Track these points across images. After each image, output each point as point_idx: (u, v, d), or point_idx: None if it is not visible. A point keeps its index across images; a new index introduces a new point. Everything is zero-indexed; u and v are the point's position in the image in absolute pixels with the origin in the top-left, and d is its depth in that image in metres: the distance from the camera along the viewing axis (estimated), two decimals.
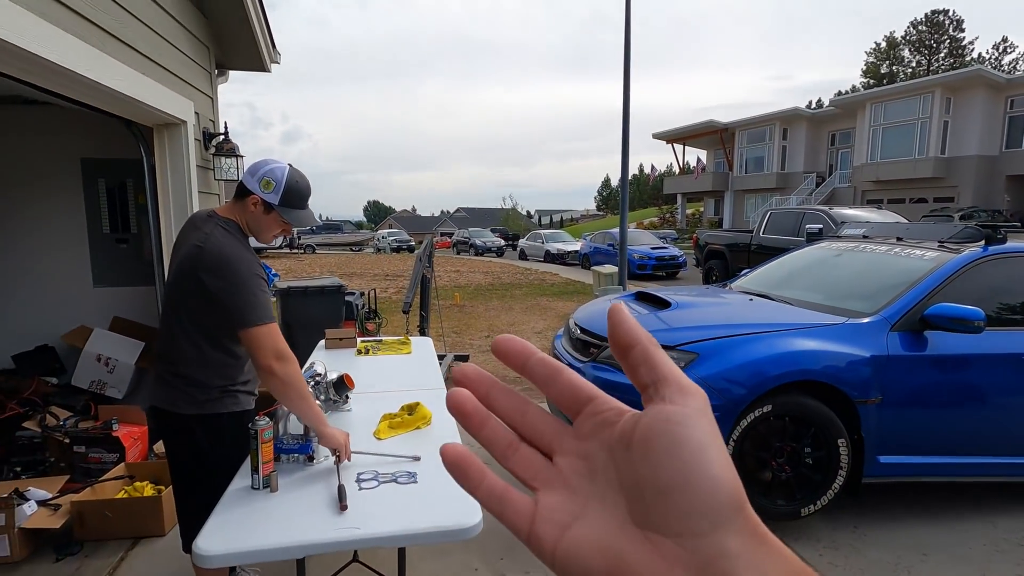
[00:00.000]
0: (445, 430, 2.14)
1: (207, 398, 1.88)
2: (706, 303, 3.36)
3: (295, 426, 1.93)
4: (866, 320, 2.81)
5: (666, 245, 16.08)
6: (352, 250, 32.03)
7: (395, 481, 1.74)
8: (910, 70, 46.92)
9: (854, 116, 25.47)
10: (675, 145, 34.92)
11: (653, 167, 41.01)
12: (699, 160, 34.77)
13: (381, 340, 3.66)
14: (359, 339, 3.57)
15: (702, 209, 37.53)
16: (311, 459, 1.82)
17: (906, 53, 48.07)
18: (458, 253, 29.49)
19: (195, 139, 3.41)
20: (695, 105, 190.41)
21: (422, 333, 5.43)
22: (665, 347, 2.76)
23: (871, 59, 49.74)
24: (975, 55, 45.74)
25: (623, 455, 0.24)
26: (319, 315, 4.50)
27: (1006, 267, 3.04)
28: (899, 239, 3.49)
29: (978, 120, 21.87)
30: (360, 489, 1.68)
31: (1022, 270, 3.05)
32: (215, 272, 1.74)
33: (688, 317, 3.05)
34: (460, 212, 73.30)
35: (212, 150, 3.65)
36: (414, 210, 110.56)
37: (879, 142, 24.39)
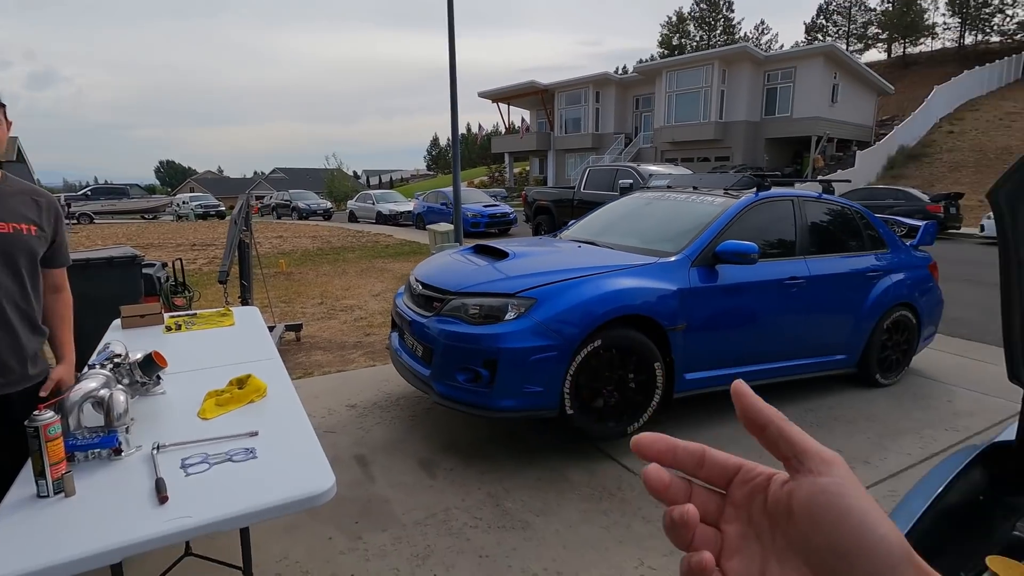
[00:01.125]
0: (283, 402, 1.98)
1: None
2: (540, 252, 3.54)
3: (91, 417, 1.62)
4: (672, 259, 3.21)
5: (498, 203, 16.54)
6: (144, 218, 27.44)
7: (230, 460, 1.56)
8: (695, 43, 53.39)
9: (653, 82, 28.34)
10: (500, 104, 35.63)
11: (480, 126, 41.51)
12: (523, 120, 36.03)
13: (195, 314, 3.23)
14: (166, 315, 3.10)
15: (528, 168, 39.19)
16: (118, 452, 1.55)
17: (691, 27, 54.49)
18: (279, 218, 27.01)
19: None
20: (518, 66, 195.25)
21: (244, 304, 4.91)
22: (505, 295, 2.86)
23: (664, 31, 55.47)
24: (742, 34, 53.58)
25: (786, 522, 0.27)
26: (110, 292, 3.79)
27: (771, 209, 3.68)
28: (695, 188, 4.02)
29: (744, 90, 25.84)
30: (187, 475, 1.48)
31: (782, 211, 3.74)
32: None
33: (524, 266, 3.19)
34: (277, 173, 66.77)
35: None
36: (220, 171, 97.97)
37: (673, 107, 27.57)
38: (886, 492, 2.77)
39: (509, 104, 35.32)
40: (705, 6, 53.17)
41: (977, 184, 20.40)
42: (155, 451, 1.58)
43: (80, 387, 1.58)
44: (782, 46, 52.15)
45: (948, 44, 45.57)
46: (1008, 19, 41.94)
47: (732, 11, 53.22)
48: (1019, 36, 40.67)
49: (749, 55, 25.43)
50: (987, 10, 42.30)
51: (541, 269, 3.07)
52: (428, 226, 9.22)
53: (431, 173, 74.17)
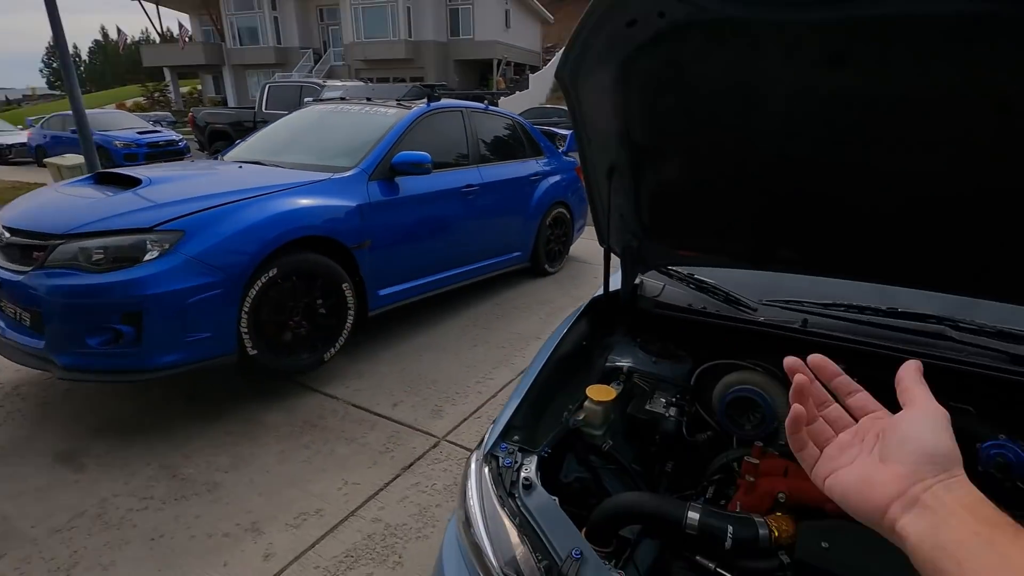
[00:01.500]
0: None
1: None
2: (187, 176, 2.95)
3: None
4: (348, 173, 3.05)
5: (158, 128, 13.53)
6: None
7: None
8: None
9: None
10: (144, 3, 28.50)
11: (121, 31, 32.70)
12: (181, 26, 29.69)
13: None
14: None
15: (200, 87, 33.02)
16: None
17: None
18: None
19: None
20: None
21: None
22: (139, 229, 2.32)
23: None
24: None
25: (885, 432, 0.45)
26: None
27: (442, 120, 3.79)
28: (369, 100, 3.86)
29: (430, 9, 26.03)
30: None
31: (454, 121, 3.88)
32: None
33: (165, 192, 2.61)
34: None
35: None
36: None
37: (361, 22, 26.18)
38: None
39: (158, 4, 28.53)
40: None
41: None
42: None
43: None
44: None
45: None
46: None
47: None
48: None
49: None
50: None
51: (189, 195, 2.55)
52: (48, 160, 7.00)
53: (56, 93, 56.18)
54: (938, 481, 0.40)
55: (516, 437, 1.19)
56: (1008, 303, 1.22)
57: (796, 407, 0.48)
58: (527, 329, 3.73)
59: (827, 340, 1.35)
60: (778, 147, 1.09)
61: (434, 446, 2.47)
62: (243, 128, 10.46)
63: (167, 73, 30.88)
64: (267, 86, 10.30)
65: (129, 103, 32.03)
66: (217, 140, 10.92)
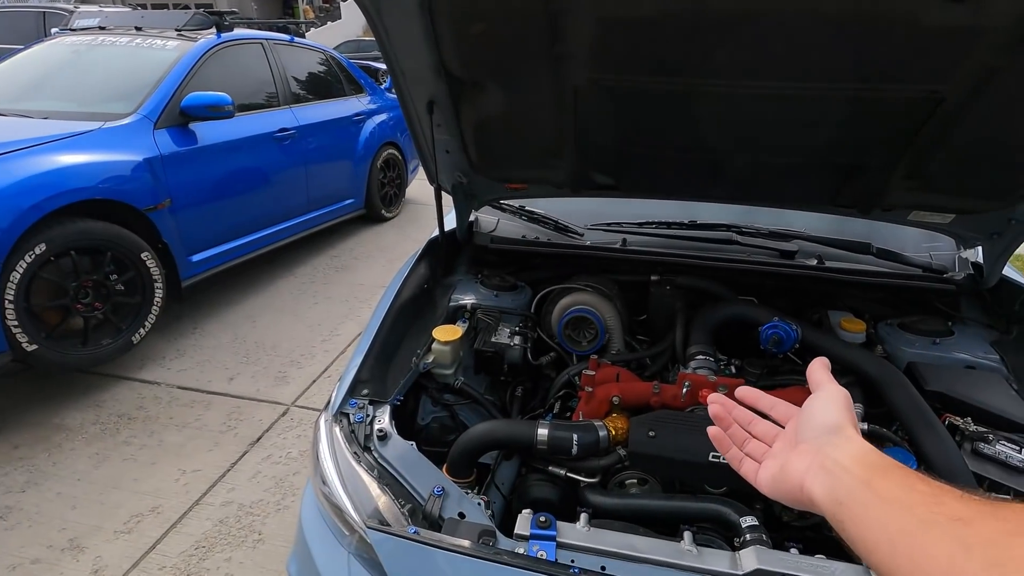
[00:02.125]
0: None
1: None
2: None
3: None
4: (127, 121, 2.55)
5: None
6: None
7: None
8: None
9: None
10: None
11: None
12: None
13: None
14: None
15: None
16: None
17: None
18: None
19: None
20: None
21: None
22: None
23: None
24: None
25: (796, 421, 0.50)
26: None
27: (239, 54, 3.31)
28: (139, 29, 3.20)
29: None
30: None
31: (254, 56, 3.42)
32: None
33: None
34: None
35: None
36: None
37: None
38: None
39: None
40: None
41: None
42: None
43: None
44: None
45: None
46: None
47: None
48: None
49: None
50: None
51: None
52: None
53: None
54: (831, 444, 0.44)
55: (365, 391, 1.15)
56: (777, 207, 1.44)
57: (713, 429, 0.56)
58: (369, 278, 3.60)
59: (643, 256, 1.50)
60: (586, 73, 1.12)
61: (283, 414, 2.32)
62: None
63: None
64: None
65: None
66: None
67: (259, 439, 2.18)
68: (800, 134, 1.20)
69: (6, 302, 2.02)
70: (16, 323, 2.06)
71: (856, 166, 1.24)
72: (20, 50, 5.82)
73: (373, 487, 0.98)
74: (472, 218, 1.64)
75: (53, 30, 7.45)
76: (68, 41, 3.17)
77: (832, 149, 1.22)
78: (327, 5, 27.75)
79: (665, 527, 0.98)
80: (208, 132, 2.88)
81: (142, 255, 2.46)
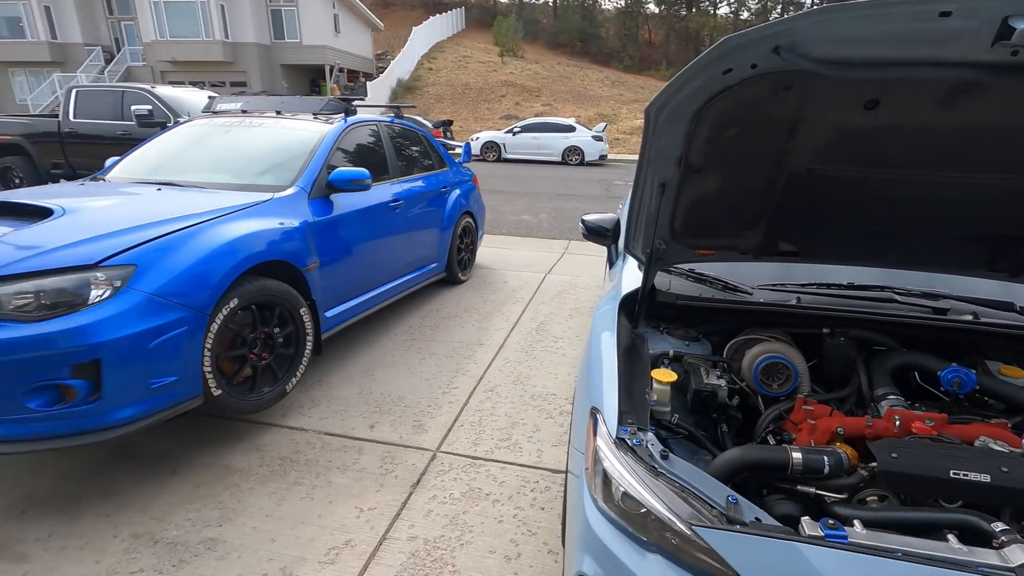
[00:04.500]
0: None
1: None
2: (103, 202, 2.54)
3: None
4: (289, 193, 2.89)
5: None
6: None
7: None
8: None
9: None
10: None
11: None
12: None
13: None
14: None
15: None
16: None
17: None
18: None
19: None
20: None
21: None
22: (82, 267, 2.00)
23: None
24: None
25: None
26: None
27: (362, 133, 3.72)
28: (279, 112, 3.63)
29: (248, 8, 24.06)
30: None
31: (371, 135, 3.83)
32: None
33: (91, 222, 2.25)
34: None
35: None
36: None
37: (164, 18, 23.29)
38: (502, 363, 3.47)
39: None
40: None
41: (455, 113, 25.75)
42: None
43: None
44: None
45: None
46: None
47: None
48: None
49: None
50: None
51: (124, 224, 2.23)
52: None
53: None
54: None
55: (631, 420, 1.37)
56: (938, 272, 1.72)
57: None
58: (466, 337, 3.83)
59: (815, 312, 1.76)
60: (806, 164, 1.42)
61: (432, 459, 2.49)
62: (43, 140, 8.77)
63: None
64: (74, 91, 8.77)
65: None
66: (6, 155, 9.01)
67: (419, 481, 2.34)
68: (969, 212, 1.49)
69: (205, 350, 2.26)
70: (209, 369, 2.29)
71: (1012, 238, 1.52)
72: (123, 128, 6.33)
73: (676, 496, 1.18)
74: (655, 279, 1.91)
75: (135, 108, 8.10)
76: (216, 122, 3.58)
77: (994, 224, 1.50)
78: (351, 84, 29.62)
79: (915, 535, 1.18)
80: (342, 201, 3.22)
81: (300, 310, 2.72)
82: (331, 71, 26.56)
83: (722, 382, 1.62)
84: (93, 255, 2.02)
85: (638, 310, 1.82)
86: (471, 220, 5.08)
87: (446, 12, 39.80)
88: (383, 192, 3.66)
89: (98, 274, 2.00)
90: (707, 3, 48.62)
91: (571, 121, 17.54)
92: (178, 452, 2.48)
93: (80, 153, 8.70)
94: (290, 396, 2.89)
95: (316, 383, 3.12)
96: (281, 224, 2.70)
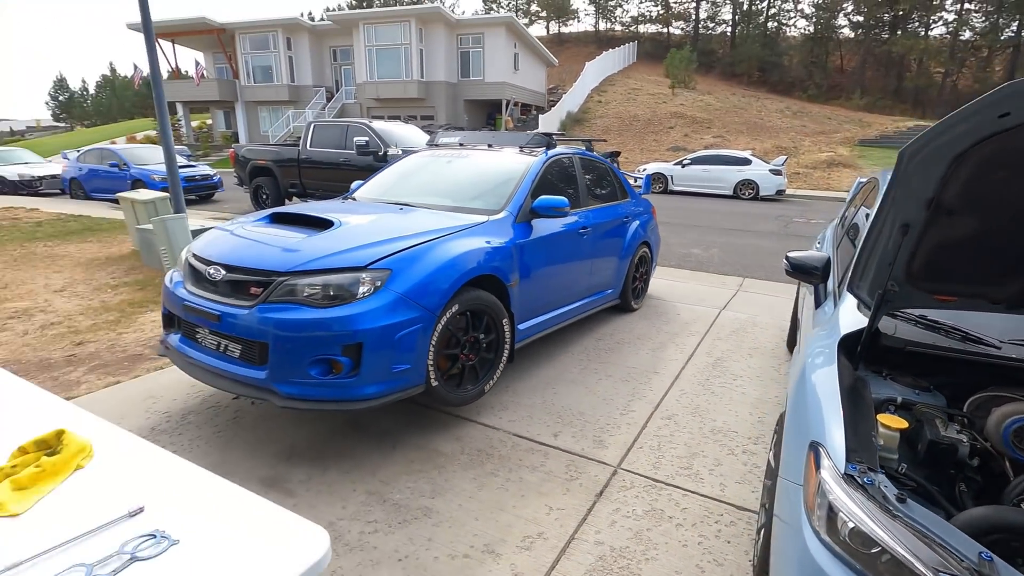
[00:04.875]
0: (122, 457, 1.36)
1: None
2: (364, 217, 3.14)
3: None
4: (501, 216, 3.27)
5: (193, 163, 13.78)
6: None
7: (135, 559, 1.03)
8: None
9: (351, 34, 27.12)
10: (161, 42, 29.17)
11: (136, 67, 33.46)
12: (198, 64, 30.36)
13: None
14: None
15: (210, 121, 33.59)
16: None
17: None
18: None
19: None
20: None
21: None
22: (353, 268, 2.51)
23: None
24: None
25: None
26: None
27: (559, 165, 4.05)
28: (490, 145, 4.11)
29: (441, 51, 26.96)
30: None
31: (567, 166, 4.14)
32: None
33: (359, 234, 2.80)
34: None
35: None
36: None
37: (375, 62, 27.01)
38: (679, 393, 3.48)
39: (174, 42, 29.25)
40: None
41: (621, 144, 25.97)
42: None
43: None
44: (464, 12, 55.79)
45: (589, 28, 55.78)
46: (625, 13, 53.47)
47: None
48: (632, 27, 52.42)
49: (443, 16, 26.45)
50: (612, 3, 53.09)
51: (382, 237, 2.75)
52: (121, 195, 7.16)
53: (61, 125, 56.64)
54: None
55: (859, 459, 1.36)
56: None
57: None
58: (640, 363, 3.90)
59: None
60: None
61: (614, 474, 2.61)
62: (285, 165, 10.72)
63: (180, 108, 31.40)
64: (312, 125, 10.62)
65: (140, 136, 32.46)
66: (258, 176, 11.17)
67: (602, 492, 2.47)
68: None
69: (431, 346, 2.65)
70: (432, 363, 2.68)
71: None
72: (344, 156, 7.41)
73: (917, 541, 1.16)
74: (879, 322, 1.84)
75: (356, 139, 9.53)
76: (439, 153, 4.17)
77: None
78: (524, 117, 31.48)
79: None
80: (540, 226, 3.53)
81: (503, 320, 3.05)
82: (507, 105, 28.54)
83: (963, 437, 1.52)
84: (363, 259, 2.52)
85: (860, 352, 1.77)
86: (647, 250, 5.16)
87: (619, 47, 40.56)
88: (574, 219, 3.92)
89: (364, 275, 2.49)
90: (917, 24, 43.04)
91: (746, 154, 16.71)
92: (396, 431, 2.91)
93: (311, 176, 10.50)
94: (485, 397, 3.23)
95: (504, 389, 3.43)
96: (494, 243, 3.06)
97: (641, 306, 5.20)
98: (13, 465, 1.27)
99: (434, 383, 2.71)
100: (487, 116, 30.68)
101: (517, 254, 3.22)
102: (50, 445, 1.34)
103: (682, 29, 52.89)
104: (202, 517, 1.15)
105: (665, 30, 52.50)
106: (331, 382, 2.41)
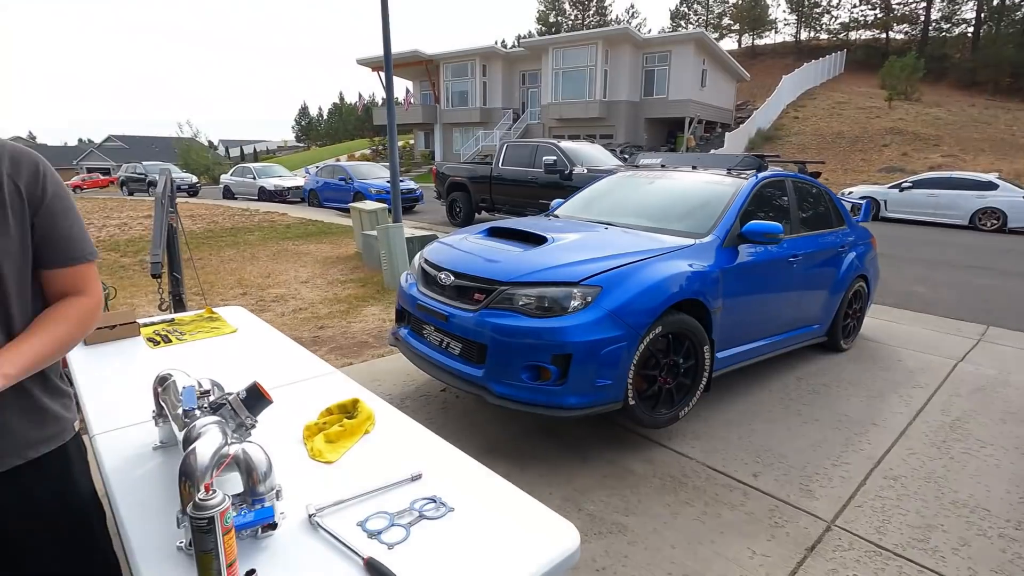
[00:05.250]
0: (402, 429, 1.62)
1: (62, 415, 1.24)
2: (573, 235, 3.32)
3: (230, 482, 1.18)
4: (707, 240, 3.19)
5: (401, 178, 15.68)
6: None
7: (423, 517, 1.23)
8: (570, 22, 54.71)
9: (540, 59, 28.58)
10: (380, 74, 33.76)
11: (360, 95, 39.19)
12: (407, 91, 34.55)
13: (172, 319, 2.60)
14: (142, 321, 2.47)
15: (412, 141, 37.88)
16: (272, 526, 1.14)
17: (567, 6, 55.69)
18: (131, 194, 23.37)
19: None
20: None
21: (177, 300, 4.10)
22: (567, 283, 2.65)
23: (542, 7, 56.10)
24: (613, 16, 55.91)
25: None
26: None
27: (771, 188, 3.82)
28: (694, 167, 4.04)
29: (626, 70, 27.04)
30: (389, 548, 1.13)
31: (779, 190, 3.89)
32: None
33: (571, 250, 2.97)
34: (113, 141, 57.94)
35: None
36: (32, 137, 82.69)
37: (560, 84, 28.08)
38: (905, 452, 3.03)
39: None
40: None
41: (812, 159, 23.38)
42: (314, 517, 1.19)
43: (204, 444, 1.13)
44: (650, 31, 55.44)
45: (787, 38, 51.55)
46: (833, 19, 48.40)
47: None
48: (841, 35, 47.17)
49: (630, 37, 26.57)
50: (817, 10, 48.40)
51: (589, 254, 2.87)
52: (352, 205, 8.45)
53: (301, 145, 68.64)
54: None
55: None
56: None
57: None
58: (853, 411, 3.48)
59: None
60: None
61: (827, 530, 2.37)
62: (478, 181, 11.65)
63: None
64: (505, 145, 11.40)
65: (357, 154, 37.89)
66: (454, 191, 12.30)
67: (814, 548, 2.26)
68: None
69: (632, 364, 2.68)
70: (631, 381, 2.70)
71: None
72: (532, 174, 7.71)
73: None
74: None
75: (544, 159, 10.01)
76: (640, 174, 4.21)
77: None
78: (707, 135, 30.07)
79: None
80: (747, 251, 3.36)
81: (704, 347, 2.96)
82: (690, 123, 27.56)
83: None
84: (575, 275, 2.66)
85: None
86: (864, 285, 4.59)
87: (822, 57, 36.73)
88: (783, 246, 3.66)
89: (576, 290, 2.62)
90: None
91: (991, 177, 13.92)
92: (587, 443, 2.99)
93: (500, 192, 11.28)
94: (677, 423, 3.16)
95: (696, 417, 3.32)
96: (700, 267, 3.00)
97: (851, 347, 4.63)
98: (324, 422, 1.59)
99: (631, 402, 2.74)
100: (667, 135, 29.95)
101: (722, 280, 3.11)
102: (348, 410, 1.65)
103: (906, 33, 46.12)
104: (470, 494, 1.32)
105: (883, 35, 46.25)
106: (539, 387, 2.57)
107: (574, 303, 2.60)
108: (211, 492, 0.95)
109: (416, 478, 1.37)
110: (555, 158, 9.97)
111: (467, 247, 3.17)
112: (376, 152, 36.94)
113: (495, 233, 3.38)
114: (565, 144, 10.71)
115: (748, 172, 3.77)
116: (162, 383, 1.45)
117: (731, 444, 3.05)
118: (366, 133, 44.63)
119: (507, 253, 2.99)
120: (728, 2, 53.09)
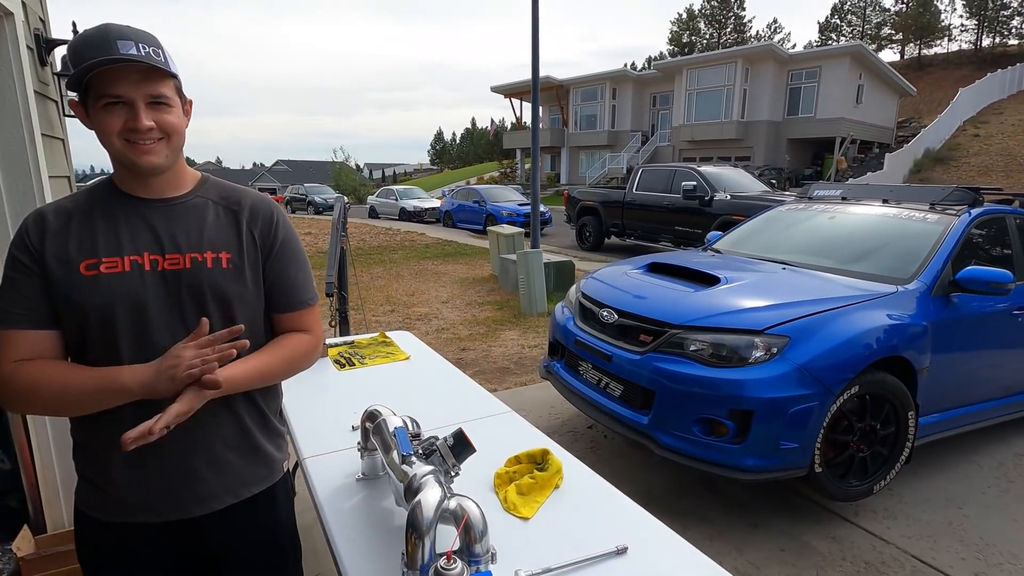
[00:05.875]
0: (588, 487, 1.52)
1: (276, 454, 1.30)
2: (748, 274, 3.06)
3: (442, 538, 1.17)
4: (911, 287, 2.77)
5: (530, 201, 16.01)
6: None
7: None
8: (705, 41, 52.89)
9: (672, 80, 27.85)
10: (512, 100, 35.04)
11: (493, 121, 41.01)
12: (517, 117, 35.40)
13: (352, 341, 2.77)
14: (329, 341, 2.65)
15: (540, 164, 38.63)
16: None
17: (702, 25, 53.96)
18: (293, 212, 26.40)
19: (27, 46, 2.03)
20: (515, 61, 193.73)
21: (343, 317, 4.44)
22: (749, 331, 2.41)
23: (675, 28, 54.91)
24: (753, 32, 53.13)
25: None
26: None
27: (987, 227, 3.25)
28: (885, 201, 3.57)
29: (768, 89, 25.39)
30: None
31: (999, 229, 3.30)
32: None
33: (749, 292, 2.73)
34: (280, 165, 66.12)
35: (54, 67, 2.25)
36: (219, 162, 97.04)
37: (693, 105, 27.10)
38: None
39: (522, 100, 34.72)
40: (716, 3, 52.63)
41: (1008, 188, 20.05)
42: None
43: (428, 497, 1.11)
44: (794, 45, 51.87)
45: (964, 46, 45.34)
46: None
47: (744, 8, 52.75)
48: None
49: (774, 54, 24.98)
50: (1005, 13, 42.05)
51: (772, 299, 2.61)
52: (491, 228, 8.72)
53: (435, 168, 73.32)
54: None
55: None
56: None
57: None
58: None
59: None
60: None
61: None
62: (610, 206, 11.48)
63: (518, 153, 37.08)
64: (640, 170, 11.15)
65: (486, 176, 39.50)
66: (584, 215, 12.25)
67: None
68: None
69: (822, 427, 2.37)
70: (819, 446, 2.38)
71: None
72: (668, 200, 7.31)
73: None
74: None
75: (683, 184, 9.61)
76: (816, 207, 3.81)
77: None
78: (861, 156, 27.15)
79: None
80: (958, 301, 2.85)
81: (908, 413, 2.54)
82: (841, 143, 25.10)
83: None
84: (759, 322, 2.42)
85: None
86: None
87: (1010, 66, 31.66)
88: (1008, 296, 3.08)
89: (760, 339, 2.37)
90: None
91: None
92: (756, 508, 2.69)
93: (632, 217, 11.02)
94: (866, 498, 2.74)
95: (888, 492, 2.85)
96: (905, 319, 2.60)
97: None
98: (514, 471, 1.55)
99: (818, 469, 2.41)
100: (812, 156, 27.53)
101: (931, 335, 2.67)
102: (537, 461, 1.59)
103: None
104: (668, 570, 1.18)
105: None
106: (713, 444, 2.35)
107: (757, 353, 2.35)
108: (452, 561, 0.91)
109: (621, 552, 1.26)
110: (695, 183, 9.53)
111: (628, 284, 3.05)
112: (504, 174, 38.23)
113: (656, 269, 3.22)
114: (706, 168, 10.21)
115: (958, 207, 3.23)
116: (371, 419, 1.50)
117: (938, 530, 2.57)
118: (495, 156, 46.46)
119: (675, 292, 2.81)
120: (889, 10, 48.03)
